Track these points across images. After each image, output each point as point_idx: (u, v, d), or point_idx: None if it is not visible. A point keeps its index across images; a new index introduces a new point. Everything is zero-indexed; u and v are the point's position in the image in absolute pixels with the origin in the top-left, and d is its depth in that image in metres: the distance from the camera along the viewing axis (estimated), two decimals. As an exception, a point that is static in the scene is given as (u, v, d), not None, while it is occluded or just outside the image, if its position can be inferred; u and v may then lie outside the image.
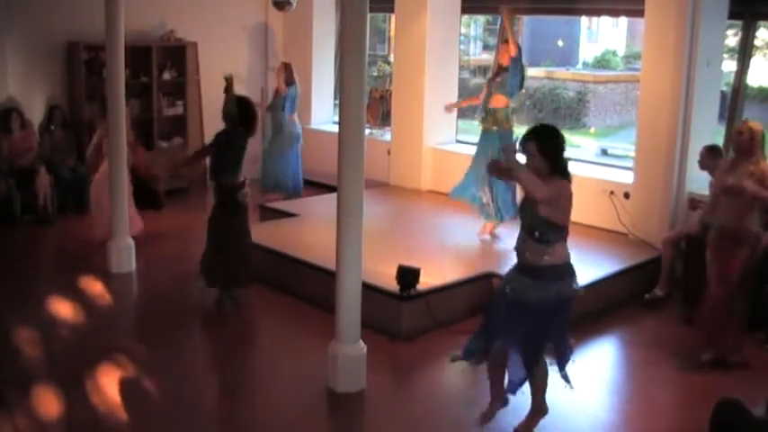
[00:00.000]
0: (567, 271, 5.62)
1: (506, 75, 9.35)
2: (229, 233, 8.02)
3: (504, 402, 6.02)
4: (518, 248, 5.67)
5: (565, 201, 5.49)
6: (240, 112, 7.92)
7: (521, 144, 5.55)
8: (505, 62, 9.40)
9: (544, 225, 5.46)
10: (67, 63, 11.76)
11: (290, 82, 12.03)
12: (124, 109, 8.96)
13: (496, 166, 6.20)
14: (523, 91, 9.99)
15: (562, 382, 5.84)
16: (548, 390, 5.92)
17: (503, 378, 5.93)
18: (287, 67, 12.19)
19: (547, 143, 5.48)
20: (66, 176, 11.23)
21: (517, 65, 9.33)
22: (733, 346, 7.09)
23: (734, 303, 7.05)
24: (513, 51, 9.28)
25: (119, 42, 8.75)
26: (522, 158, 5.58)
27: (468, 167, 9.72)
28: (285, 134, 11.99)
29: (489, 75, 9.87)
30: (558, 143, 5.53)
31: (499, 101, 9.40)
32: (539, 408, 5.91)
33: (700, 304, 7.34)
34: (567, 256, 5.61)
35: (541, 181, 5.39)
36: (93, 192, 10.06)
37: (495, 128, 9.35)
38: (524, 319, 5.59)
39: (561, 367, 5.81)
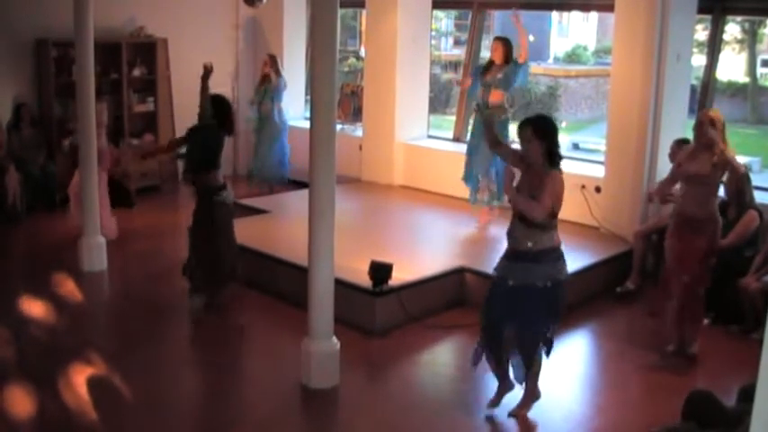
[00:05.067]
0: (558, 255, 5.84)
1: (512, 74, 9.56)
2: (214, 236, 7.89)
3: (511, 387, 6.14)
4: (510, 233, 5.83)
5: (560, 192, 5.74)
6: (216, 111, 7.78)
7: (517, 131, 5.84)
8: (499, 60, 9.62)
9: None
10: (36, 60, 11.66)
11: (277, 73, 12.36)
12: (94, 106, 8.90)
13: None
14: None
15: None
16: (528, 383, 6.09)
17: (507, 365, 6.07)
18: (273, 59, 12.32)
19: (542, 127, 5.74)
20: (35, 175, 11.13)
21: (528, 67, 9.72)
22: (692, 337, 7.18)
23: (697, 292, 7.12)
24: (524, 56, 9.61)
25: (88, 39, 8.68)
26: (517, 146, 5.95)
27: (467, 155, 9.96)
28: (273, 125, 12.18)
29: (478, 69, 9.99)
30: (553, 126, 5.81)
31: (497, 96, 9.61)
32: (532, 392, 6.08)
33: (661, 294, 7.41)
34: (558, 240, 5.83)
35: (539, 171, 5.68)
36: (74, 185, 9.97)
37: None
38: (520, 304, 5.77)
39: (547, 352, 6.02)
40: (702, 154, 6.85)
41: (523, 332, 5.86)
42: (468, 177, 9.91)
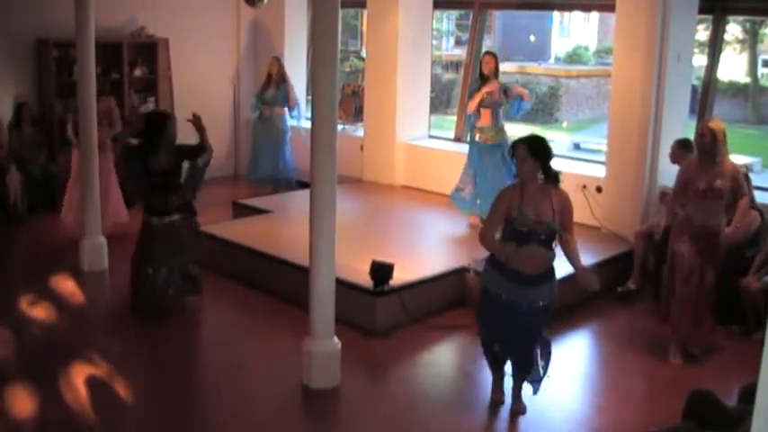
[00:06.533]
0: (554, 269, 5.95)
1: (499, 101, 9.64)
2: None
3: (503, 375, 6.26)
4: (525, 261, 5.71)
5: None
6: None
7: (512, 149, 5.87)
8: (488, 71, 9.62)
9: (554, 232, 5.74)
10: (37, 60, 11.66)
11: (284, 76, 12.35)
12: (95, 106, 8.90)
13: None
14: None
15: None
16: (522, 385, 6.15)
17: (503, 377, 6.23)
18: (279, 62, 12.32)
19: (536, 145, 5.74)
20: (36, 175, 11.13)
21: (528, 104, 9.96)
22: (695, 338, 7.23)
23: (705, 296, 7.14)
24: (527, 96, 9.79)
25: (89, 39, 8.69)
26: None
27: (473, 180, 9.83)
28: (277, 127, 12.19)
29: (475, 85, 9.90)
30: (547, 145, 5.81)
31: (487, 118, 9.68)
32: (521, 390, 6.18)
33: (671, 299, 7.36)
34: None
35: (539, 190, 5.71)
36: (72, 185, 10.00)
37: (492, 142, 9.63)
38: (527, 322, 5.85)
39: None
40: (709, 167, 6.84)
41: (529, 348, 5.96)
42: (466, 200, 9.90)
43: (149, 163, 7.64)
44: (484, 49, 10.67)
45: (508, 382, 6.25)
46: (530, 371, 6.04)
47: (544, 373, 6.11)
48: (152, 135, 7.68)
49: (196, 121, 7.72)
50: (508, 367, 6.20)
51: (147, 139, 7.73)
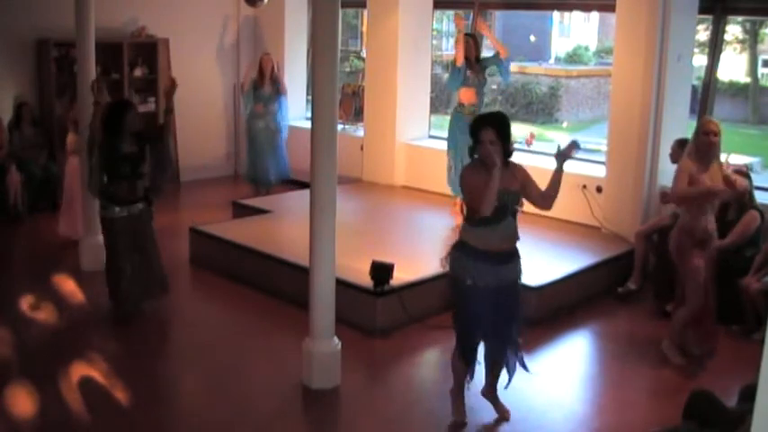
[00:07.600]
0: None
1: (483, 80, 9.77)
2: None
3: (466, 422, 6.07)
4: (499, 238, 5.58)
5: None
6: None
7: (477, 129, 5.54)
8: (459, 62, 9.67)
9: (518, 201, 5.67)
10: (37, 60, 11.66)
11: (275, 72, 12.34)
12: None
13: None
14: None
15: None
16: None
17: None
18: (271, 58, 12.31)
19: (504, 128, 5.56)
20: (36, 175, 11.13)
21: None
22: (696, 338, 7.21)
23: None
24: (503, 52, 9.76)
25: (89, 39, 8.70)
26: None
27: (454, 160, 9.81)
28: (274, 125, 12.23)
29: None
30: (510, 125, 5.64)
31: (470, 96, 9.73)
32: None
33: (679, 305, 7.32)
34: None
35: (502, 167, 5.47)
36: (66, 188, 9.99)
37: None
38: (506, 303, 5.67)
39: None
40: (712, 165, 6.83)
41: (510, 329, 5.79)
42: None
43: (117, 148, 7.55)
44: (484, 49, 10.55)
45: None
46: (503, 364, 5.89)
47: (514, 370, 5.95)
48: (113, 121, 7.58)
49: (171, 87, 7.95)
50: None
51: (109, 125, 7.62)
